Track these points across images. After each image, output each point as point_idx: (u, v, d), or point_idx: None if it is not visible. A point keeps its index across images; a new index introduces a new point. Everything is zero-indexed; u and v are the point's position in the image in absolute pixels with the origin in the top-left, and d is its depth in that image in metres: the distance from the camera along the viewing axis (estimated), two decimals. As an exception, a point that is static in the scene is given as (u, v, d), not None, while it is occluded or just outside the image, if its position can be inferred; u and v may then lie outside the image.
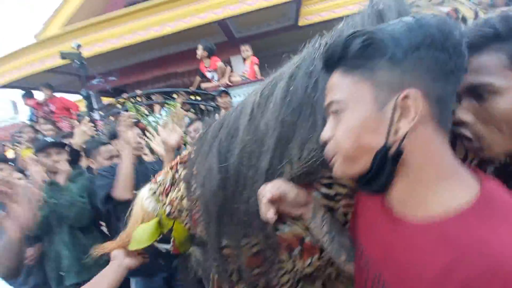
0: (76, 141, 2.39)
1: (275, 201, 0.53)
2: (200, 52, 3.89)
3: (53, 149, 1.90)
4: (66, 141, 2.77)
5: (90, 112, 2.90)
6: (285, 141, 0.57)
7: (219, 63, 3.98)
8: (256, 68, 4.02)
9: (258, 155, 0.60)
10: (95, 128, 3.33)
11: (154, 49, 5.41)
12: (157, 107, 4.29)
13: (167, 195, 0.80)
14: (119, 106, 4.58)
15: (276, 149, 0.58)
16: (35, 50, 5.03)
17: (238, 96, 3.64)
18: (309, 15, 5.26)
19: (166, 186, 0.81)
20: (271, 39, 5.61)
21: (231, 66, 5.28)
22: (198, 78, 4.27)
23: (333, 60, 0.42)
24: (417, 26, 0.37)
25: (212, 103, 3.74)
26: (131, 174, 1.46)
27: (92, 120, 3.87)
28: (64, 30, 5.05)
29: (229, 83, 3.90)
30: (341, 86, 0.42)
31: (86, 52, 4.63)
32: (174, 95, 4.20)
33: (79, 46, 2.55)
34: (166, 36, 4.77)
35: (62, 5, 5.28)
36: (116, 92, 5.64)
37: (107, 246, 0.89)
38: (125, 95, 4.48)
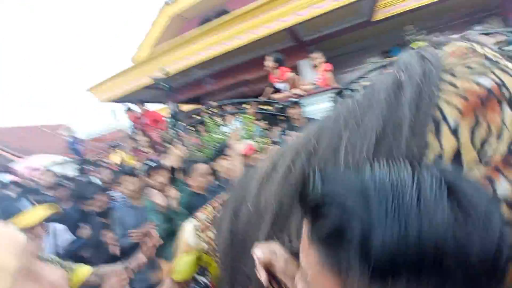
0: (173, 163, 2.76)
1: (267, 265, 0.52)
2: (269, 63, 3.96)
3: (154, 171, 2.28)
4: (162, 158, 3.24)
5: (175, 128, 3.29)
6: (282, 221, 0.57)
7: (289, 74, 3.99)
8: (329, 74, 3.89)
9: (258, 227, 0.61)
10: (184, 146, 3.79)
11: (224, 60, 5.78)
12: (229, 117, 4.59)
13: (206, 233, 0.86)
14: (196, 116, 5.07)
15: (273, 226, 0.58)
16: (131, 72, 5.96)
17: (310, 106, 3.61)
18: (383, 9, 4.81)
19: (206, 225, 0.87)
20: (342, 37, 5.34)
21: (298, 71, 5.25)
22: (268, 89, 4.38)
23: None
24: (420, 226, 0.24)
25: (283, 114, 3.79)
26: None
27: (178, 134, 4.38)
28: (152, 52, 5.82)
29: (300, 93, 3.88)
30: (307, 253, 0.32)
31: (169, 69, 5.29)
32: (246, 105, 4.41)
33: (166, 72, 2.95)
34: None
35: (150, 31, 6.09)
36: (191, 101, 6.22)
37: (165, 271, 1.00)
38: (202, 107, 4.92)
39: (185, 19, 6.54)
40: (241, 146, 1.70)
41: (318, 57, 3.95)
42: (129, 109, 5.86)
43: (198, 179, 2.13)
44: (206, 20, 5.61)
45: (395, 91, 0.47)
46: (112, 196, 2.88)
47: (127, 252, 1.87)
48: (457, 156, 0.40)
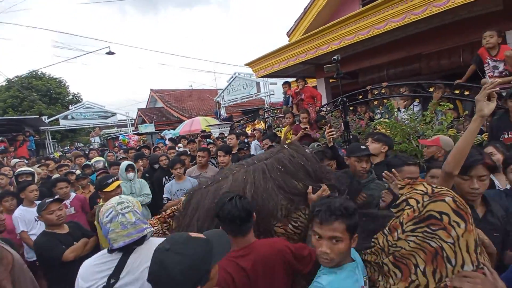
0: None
1: None
2: (493, 39, 3.20)
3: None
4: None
5: (344, 118, 3.22)
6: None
7: (509, 53, 3.13)
8: None
9: None
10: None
11: (393, 32, 5.12)
12: (405, 101, 4.16)
13: None
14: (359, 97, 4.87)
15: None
16: (290, 50, 6.21)
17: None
18: None
19: None
20: None
21: (505, 42, 4.08)
22: (472, 68, 3.61)
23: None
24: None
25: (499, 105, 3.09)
26: (466, 150, 1.36)
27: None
28: (310, 29, 5.79)
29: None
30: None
31: (325, 50, 5.20)
32: (430, 88, 3.86)
33: (337, 59, 2.82)
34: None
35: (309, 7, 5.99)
36: (349, 76, 5.91)
37: None
38: (368, 87, 4.66)
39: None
40: (486, 106, 1.39)
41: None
42: (286, 83, 6.27)
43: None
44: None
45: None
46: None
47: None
48: None
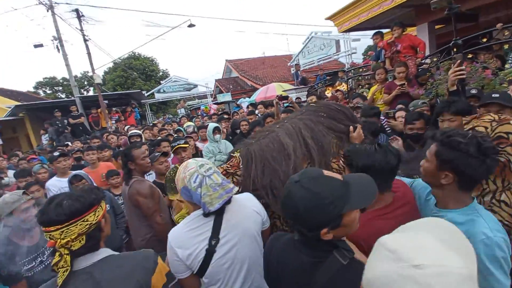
0: None
1: None
2: None
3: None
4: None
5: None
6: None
7: None
8: None
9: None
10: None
11: None
12: None
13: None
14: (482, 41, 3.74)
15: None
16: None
17: None
18: None
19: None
20: None
21: None
22: None
23: None
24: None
25: None
26: None
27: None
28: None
29: None
30: None
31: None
32: None
33: None
34: None
35: None
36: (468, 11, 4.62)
37: None
38: (498, 25, 3.51)
39: None
40: None
41: None
42: (378, 33, 5.35)
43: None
44: None
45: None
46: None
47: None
48: None
